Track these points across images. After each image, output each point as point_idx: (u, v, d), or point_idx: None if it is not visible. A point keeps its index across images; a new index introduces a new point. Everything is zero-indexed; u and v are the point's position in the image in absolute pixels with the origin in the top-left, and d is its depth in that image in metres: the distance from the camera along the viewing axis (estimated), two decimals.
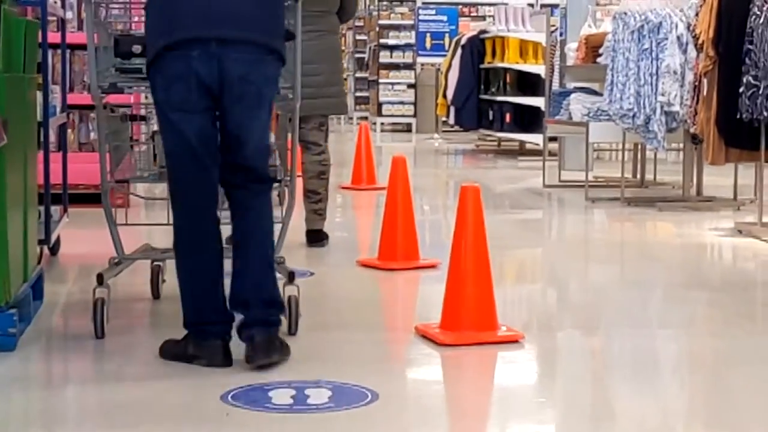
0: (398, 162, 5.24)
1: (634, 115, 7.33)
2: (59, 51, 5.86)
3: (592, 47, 8.29)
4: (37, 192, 4.25)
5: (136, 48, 3.46)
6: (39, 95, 4.55)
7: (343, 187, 8.57)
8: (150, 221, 5.32)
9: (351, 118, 18.68)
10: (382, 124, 16.78)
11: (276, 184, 4.30)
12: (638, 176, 8.99)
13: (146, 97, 6.74)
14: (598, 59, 8.09)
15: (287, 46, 3.56)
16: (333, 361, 3.46)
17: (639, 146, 8.74)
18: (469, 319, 3.67)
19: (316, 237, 5.71)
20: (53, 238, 4.91)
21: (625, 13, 7.43)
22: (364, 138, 8.85)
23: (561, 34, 10.27)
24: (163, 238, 3.48)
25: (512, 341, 3.67)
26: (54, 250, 5.19)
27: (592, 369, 3.57)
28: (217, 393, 3.03)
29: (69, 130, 6.89)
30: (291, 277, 3.75)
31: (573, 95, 8.29)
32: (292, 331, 3.68)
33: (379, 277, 4.99)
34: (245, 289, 3.33)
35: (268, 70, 3.39)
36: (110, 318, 3.69)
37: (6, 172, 3.48)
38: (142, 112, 4.69)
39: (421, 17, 16.12)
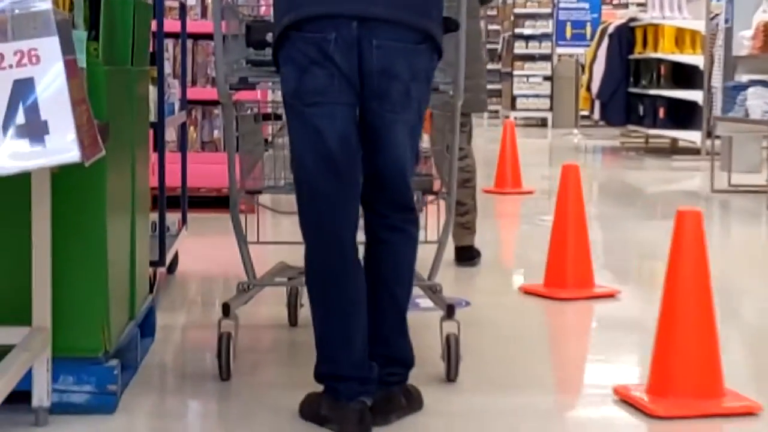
0: (570, 171, 4.43)
1: None
2: (180, 40, 5.22)
3: None
4: (149, 202, 3.57)
5: (271, 36, 2.73)
6: (153, 90, 3.88)
7: (486, 191, 7.75)
8: (282, 235, 4.62)
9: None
10: (515, 118, 15.95)
11: (432, 197, 3.67)
12: None
13: (273, 92, 6.14)
14: None
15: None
16: None
17: None
18: (688, 383, 2.84)
19: (466, 254, 4.97)
20: (169, 257, 4.19)
21: None
22: (509, 136, 8.03)
23: (726, 21, 9.30)
24: (300, 253, 2.74)
25: (746, 413, 2.82)
26: (171, 268, 4.52)
27: None
28: None
29: (190, 128, 6.28)
30: (450, 311, 3.15)
31: (750, 89, 7.34)
32: (451, 376, 3.08)
33: (548, 310, 4.17)
34: (369, 339, 2.73)
35: (418, 63, 2.65)
36: (238, 353, 3.14)
37: (107, 184, 2.76)
38: (269, 109, 4.04)
39: (561, 5, 15.25)
